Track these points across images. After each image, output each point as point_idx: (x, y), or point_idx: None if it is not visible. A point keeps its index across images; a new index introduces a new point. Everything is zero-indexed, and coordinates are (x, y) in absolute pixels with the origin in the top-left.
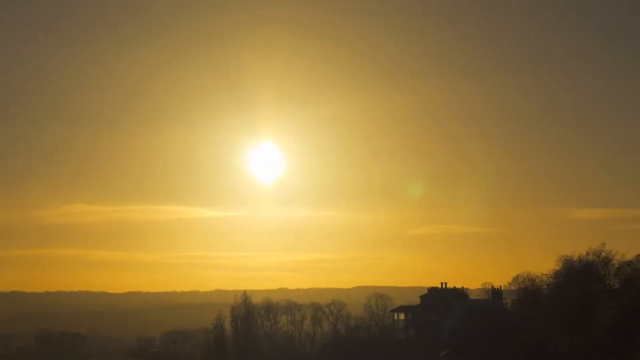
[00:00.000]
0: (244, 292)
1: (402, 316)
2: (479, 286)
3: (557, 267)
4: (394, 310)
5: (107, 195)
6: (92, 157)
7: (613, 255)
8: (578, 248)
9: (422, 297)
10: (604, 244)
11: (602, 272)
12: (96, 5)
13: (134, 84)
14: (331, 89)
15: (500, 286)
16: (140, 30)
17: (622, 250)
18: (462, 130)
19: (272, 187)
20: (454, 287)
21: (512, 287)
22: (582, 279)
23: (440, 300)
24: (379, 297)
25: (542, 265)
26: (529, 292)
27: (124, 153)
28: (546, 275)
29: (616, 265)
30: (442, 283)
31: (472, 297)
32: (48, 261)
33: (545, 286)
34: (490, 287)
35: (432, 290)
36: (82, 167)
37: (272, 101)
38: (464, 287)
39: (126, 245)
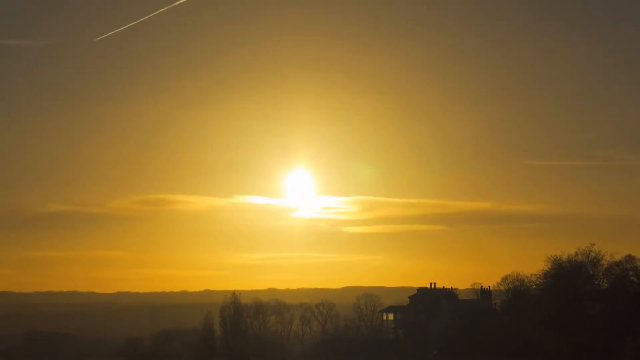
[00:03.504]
0: (233, 293)
1: (391, 316)
2: (468, 286)
3: (546, 268)
4: (383, 311)
5: (99, 194)
6: (88, 156)
7: (602, 256)
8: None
9: (411, 297)
10: (593, 244)
11: (591, 272)
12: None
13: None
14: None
15: (490, 286)
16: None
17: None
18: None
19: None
20: (443, 287)
21: (501, 288)
22: (571, 279)
23: (429, 301)
24: (368, 297)
25: (532, 265)
26: (518, 292)
27: (122, 155)
28: (535, 275)
29: (605, 266)
30: (431, 283)
31: (461, 297)
32: (38, 261)
33: (534, 286)
34: (479, 287)
35: (421, 290)
36: (77, 166)
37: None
38: (453, 287)
39: (116, 244)
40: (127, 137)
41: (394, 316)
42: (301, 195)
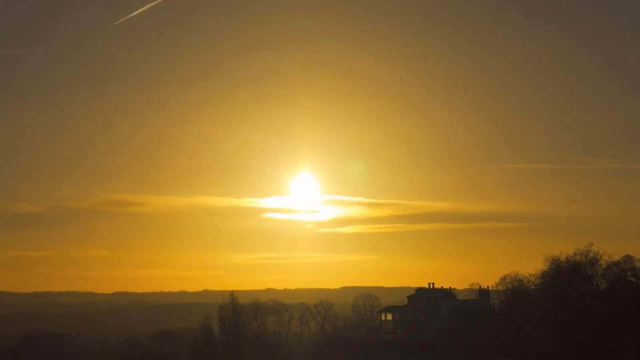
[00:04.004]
0: (232, 293)
1: (389, 316)
2: (467, 286)
3: (544, 268)
4: (381, 311)
5: (97, 192)
6: (85, 154)
7: (600, 256)
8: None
9: (409, 297)
10: (592, 244)
11: (590, 272)
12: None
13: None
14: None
15: (488, 286)
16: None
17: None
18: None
19: None
20: (442, 287)
21: (500, 288)
22: (569, 279)
23: (428, 301)
24: (366, 297)
25: (529, 265)
26: (516, 292)
27: (119, 148)
28: (534, 275)
29: (603, 266)
30: (429, 283)
31: (460, 297)
32: (35, 261)
33: (532, 286)
34: (477, 287)
35: (420, 290)
36: (74, 163)
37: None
38: (452, 287)
39: (115, 244)
40: (134, 141)
41: (393, 316)
42: (301, 196)
